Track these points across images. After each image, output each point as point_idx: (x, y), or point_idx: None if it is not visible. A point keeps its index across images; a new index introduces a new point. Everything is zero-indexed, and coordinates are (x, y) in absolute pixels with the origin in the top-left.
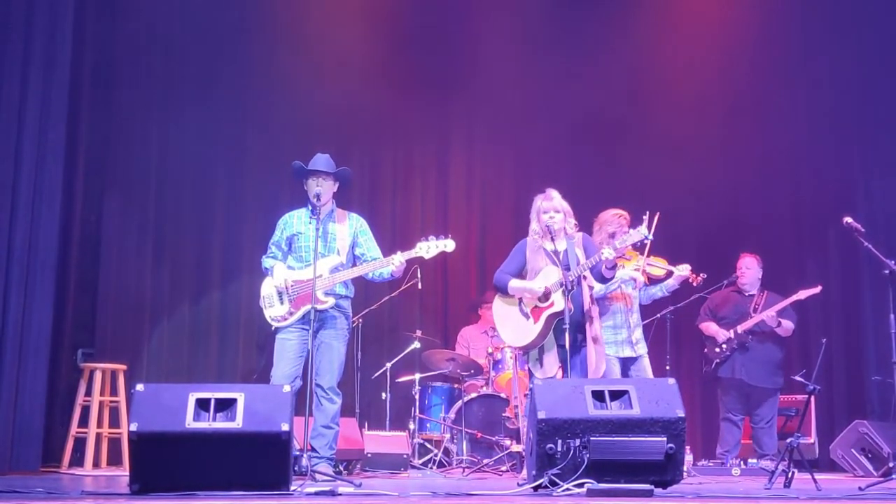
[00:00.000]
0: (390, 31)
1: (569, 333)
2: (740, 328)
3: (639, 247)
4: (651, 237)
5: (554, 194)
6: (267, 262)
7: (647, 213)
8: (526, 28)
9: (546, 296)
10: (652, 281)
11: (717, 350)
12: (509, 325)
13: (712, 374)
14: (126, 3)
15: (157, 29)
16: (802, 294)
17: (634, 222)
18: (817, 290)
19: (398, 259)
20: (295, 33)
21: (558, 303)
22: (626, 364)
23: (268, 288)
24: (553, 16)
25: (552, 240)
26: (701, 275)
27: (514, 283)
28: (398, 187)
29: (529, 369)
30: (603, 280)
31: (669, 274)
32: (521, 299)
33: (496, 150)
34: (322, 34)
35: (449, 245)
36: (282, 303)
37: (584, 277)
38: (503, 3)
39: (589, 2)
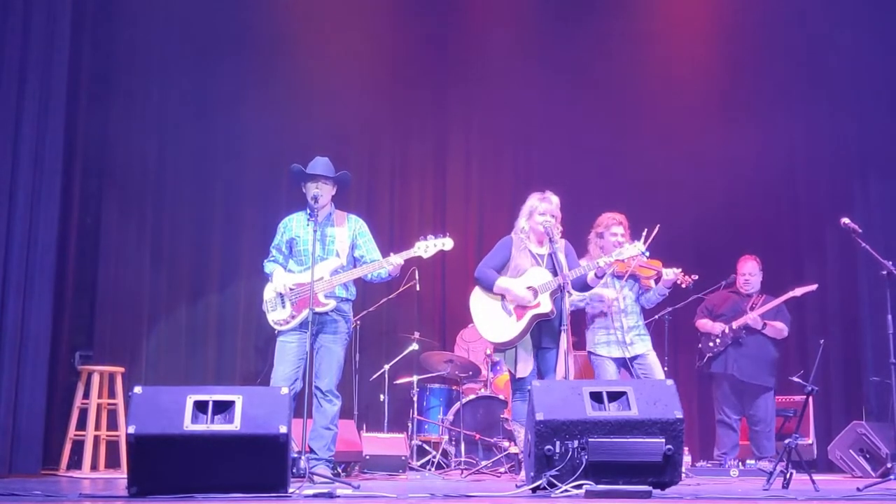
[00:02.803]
0: (388, 31)
1: (547, 336)
2: (735, 324)
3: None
4: (647, 253)
5: (553, 198)
6: (268, 266)
7: (646, 230)
8: (524, 28)
9: (533, 295)
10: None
11: (711, 344)
12: (489, 319)
13: (704, 370)
14: (123, 7)
15: (154, 32)
16: (798, 291)
17: (630, 227)
18: (813, 287)
19: (394, 261)
20: (293, 35)
21: (544, 304)
22: (627, 363)
23: (269, 292)
24: (552, 15)
25: (550, 241)
26: (692, 276)
27: (500, 282)
28: (396, 188)
29: (508, 368)
30: (585, 288)
31: (659, 275)
32: (503, 296)
33: (494, 151)
34: (320, 35)
35: (447, 244)
36: (283, 306)
37: (566, 286)
38: (501, 3)
39: (587, 5)
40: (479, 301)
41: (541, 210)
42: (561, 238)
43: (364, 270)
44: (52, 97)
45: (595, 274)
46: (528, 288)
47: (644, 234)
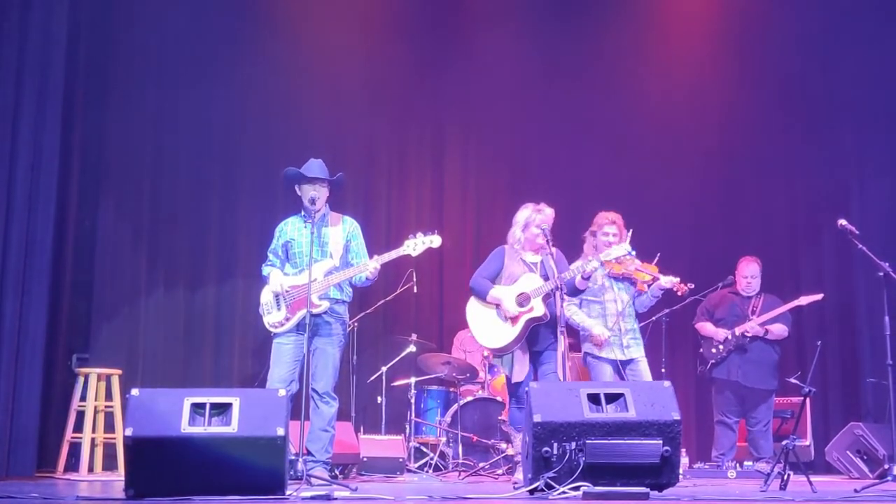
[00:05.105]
0: (387, 32)
1: (542, 339)
2: (738, 330)
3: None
4: (633, 252)
5: (547, 210)
6: (265, 269)
7: (631, 230)
8: (522, 30)
9: (525, 300)
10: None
11: (714, 350)
12: (485, 326)
13: (707, 375)
14: (121, 8)
15: (152, 33)
16: (804, 300)
17: (628, 229)
18: (819, 297)
19: (372, 265)
20: (291, 36)
21: (537, 308)
22: (622, 366)
23: (266, 295)
24: (551, 20)
25: (543, 248)
26: (688, 284)
27: (493, 292)
28: (393, 190)
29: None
30: (575, 292)
31: (655, 280)
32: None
33: (492, 155)
34: (318, 37)
35: (435, 241)
36: (279, 309)
37: (560, 288)
38: (500, 6)
39: (586, 7)
40: (475, 308)
41: (537, 222)
42: (553, 247)
43: (348, 274)
44: (49, 98)
45: (581, 276)
46: (520, 294)
47: (629, 234)
